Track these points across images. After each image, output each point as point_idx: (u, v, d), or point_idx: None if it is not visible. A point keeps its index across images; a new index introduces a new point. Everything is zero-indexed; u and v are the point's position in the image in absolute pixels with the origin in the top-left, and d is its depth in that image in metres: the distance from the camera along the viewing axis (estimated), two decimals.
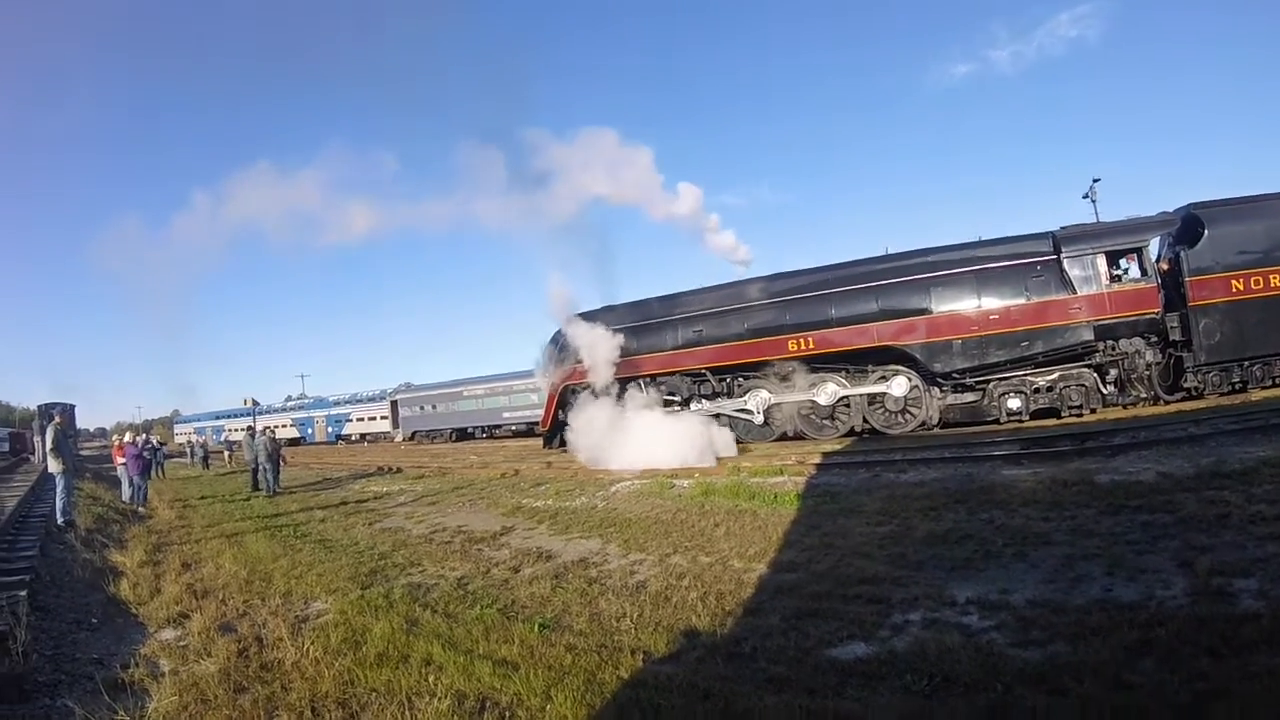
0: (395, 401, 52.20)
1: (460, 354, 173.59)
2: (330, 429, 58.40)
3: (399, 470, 22.48)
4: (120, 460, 18.63)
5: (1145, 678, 3.57)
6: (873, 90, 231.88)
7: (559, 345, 20.06)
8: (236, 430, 51.02)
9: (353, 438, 55.88)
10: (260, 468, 19.31)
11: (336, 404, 59.19)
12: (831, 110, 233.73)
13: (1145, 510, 6.89)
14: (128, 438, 20.06)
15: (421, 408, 48.73)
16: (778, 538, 7.80)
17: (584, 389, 18.53)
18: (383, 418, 53.88)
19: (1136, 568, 5.38)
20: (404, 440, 49.08)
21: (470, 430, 44.77)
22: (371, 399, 55.55)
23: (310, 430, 60.30)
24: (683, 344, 19.26)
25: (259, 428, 23.88)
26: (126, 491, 17.87)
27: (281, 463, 19.93)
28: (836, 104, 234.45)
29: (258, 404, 67.03)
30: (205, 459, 33.83)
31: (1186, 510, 6.65)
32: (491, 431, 43.06)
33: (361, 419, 56.04)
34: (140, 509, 16.88)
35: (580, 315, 18.84)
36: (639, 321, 19.66)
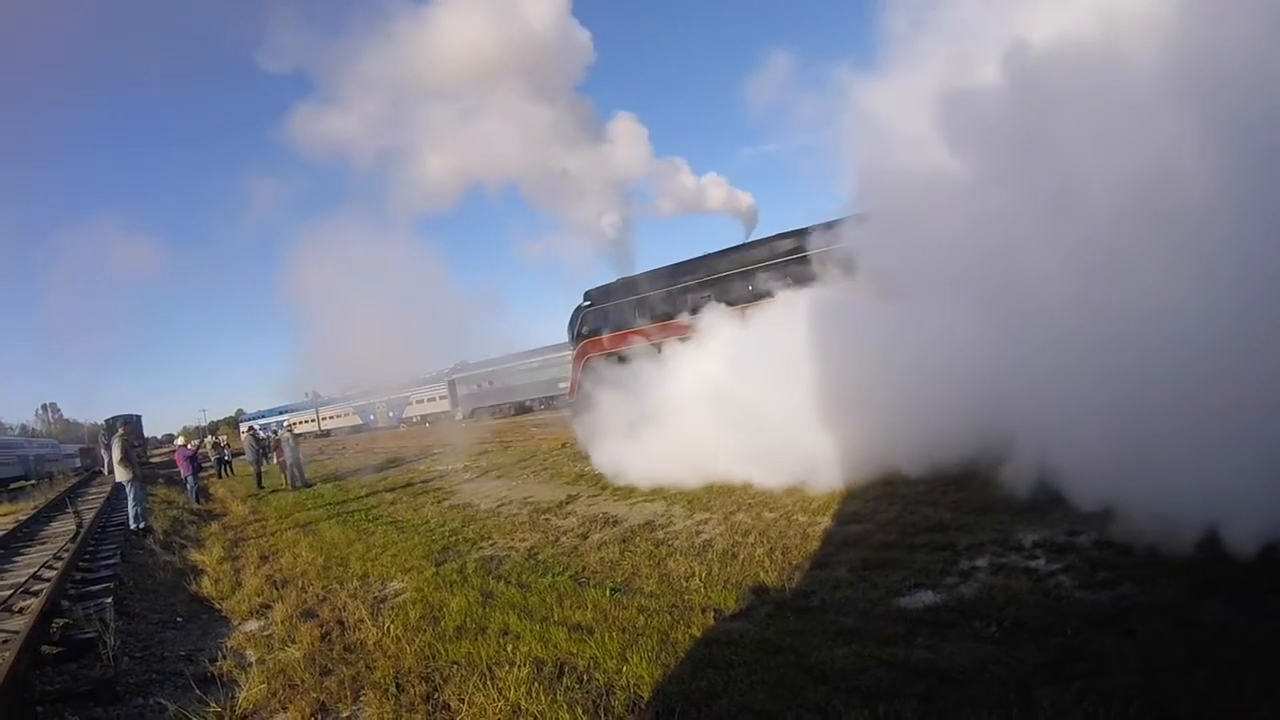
0: (452, 381, 53.10)
1: (515, 325, 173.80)
2: (391, 413, 59.73)
3: (462, 447, 22.99)
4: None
5: (1213, 617, 3.55)
6: None
7: None
8: (300, 424, 52.42)
9: (414, 420, 57.09)
10: (287, 465, 19.93)
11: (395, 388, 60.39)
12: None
13: None
14: (179, 441, 20.98)
15: (478, 385, 49.55)
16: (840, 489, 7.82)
17: None
18: (441, 398, 54.88)
19: None
20: (464, 418, 50.00)
21: (528, 403, 45.37)
22: (429, 380, 56.57)
23: (372, 416, 61.79)
24: None
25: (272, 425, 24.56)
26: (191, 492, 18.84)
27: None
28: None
29: (319, 395, 68.79)
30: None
31: None
32: (549, 402, 43.59)
33: (421, 401, 57.15)
34: (196, 505, 17.79)
35: None
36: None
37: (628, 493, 10.01)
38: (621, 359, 15.05)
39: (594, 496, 10.40)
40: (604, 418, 11.34)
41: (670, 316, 15.48)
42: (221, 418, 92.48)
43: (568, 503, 10.28)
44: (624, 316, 16.69)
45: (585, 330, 17.82)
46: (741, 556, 6.12)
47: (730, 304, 12.52)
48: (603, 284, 17.83)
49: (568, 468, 13.57)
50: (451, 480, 15.74)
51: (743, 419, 8.56)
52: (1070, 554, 4.86)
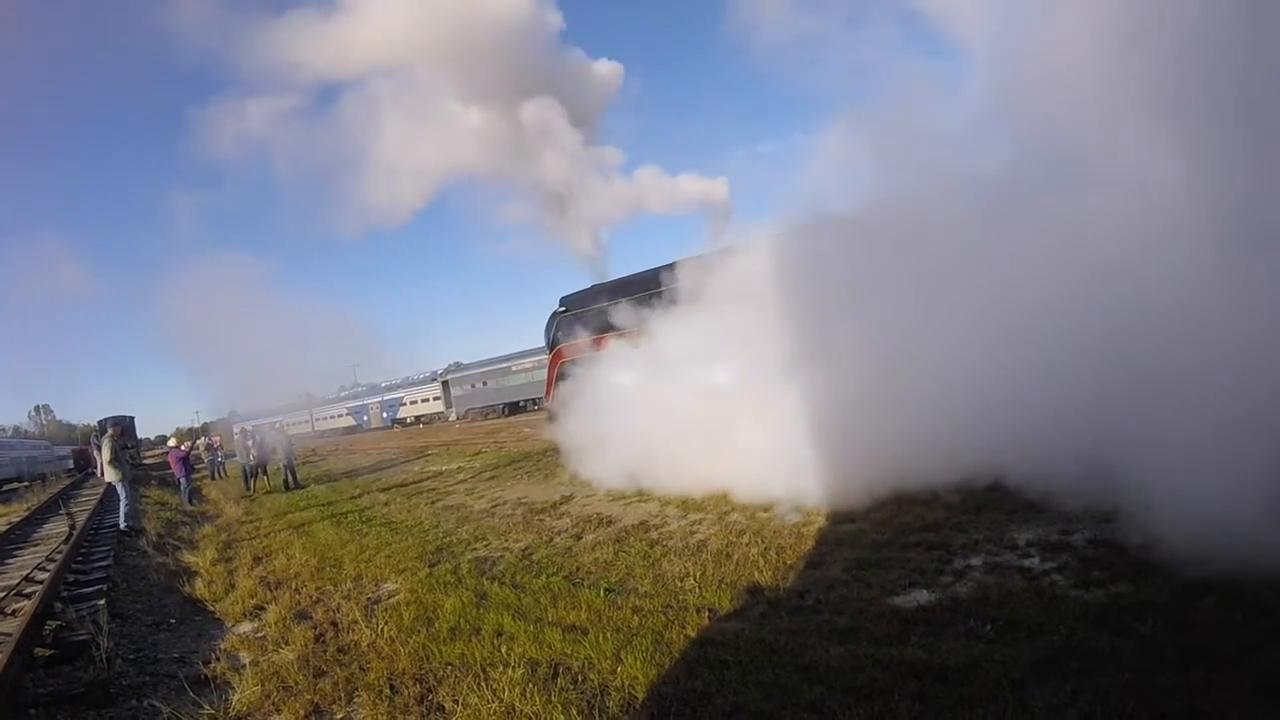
0: (446, 382, 53.12)
1: (510, 327, 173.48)
2: (385, 414, 59.70)
3: (456, 448, 22.93)
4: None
5: (1208, 616, 3.55)
6: None
7: None
8: (294, 425, 52.05)
9: (408, 421, 57.06)
10: (282, 466, 19.78)
11: (389, 389, 60.35)
12: None
13: None
14: (172, 443, 20.93)
15: (472, 386, 49.59)
16: None
17: None
18: (435, 399, 54.99)
19: None
20: (458, 419, 50.00)
21: (522, 404, 45.40)
22: (423, 381, 56.57)
23: (366, 417, 61.70)
24: None
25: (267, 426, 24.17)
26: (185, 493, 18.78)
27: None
28: None
29: (311, 396, 68.43)
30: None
31: None
32: (541, 403, 43.53)
33: (414, 401, 57.25)
34: (189, 505, 17.77)
35: None
36: None
37: (621, 493, 9.97)
38: (595, 364, 14.32)
39: (588, 497, 10.36)
40: (574, 423, 11.35)
41: (645, 322, 15.29)
42: (215, 419, 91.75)
43: (562, 503, 10.25)
44: (599, 322, 16.56)
45: (560, 335, 17.74)
46: (736, 556, 6.11)
47: None
48: (579, 290, 17.77)
49: (561, 469, 13.52)
50: (445, 481, 15.72)
51: (714, 427, 8.39)
52: (1064, 553, 4.87)
